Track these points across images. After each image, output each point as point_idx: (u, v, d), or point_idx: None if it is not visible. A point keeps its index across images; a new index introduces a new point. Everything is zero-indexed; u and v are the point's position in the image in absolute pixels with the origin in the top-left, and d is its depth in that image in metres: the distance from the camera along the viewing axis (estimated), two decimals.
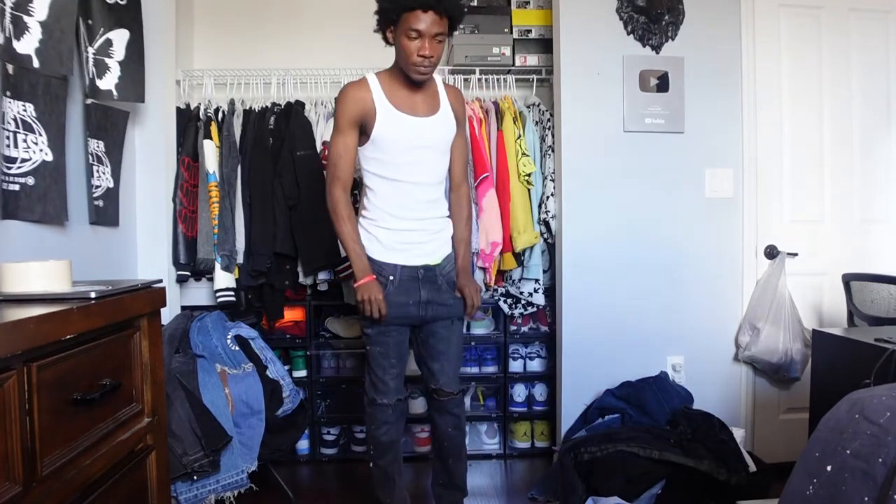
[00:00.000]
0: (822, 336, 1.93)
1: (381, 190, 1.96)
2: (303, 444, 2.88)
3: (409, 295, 1.97)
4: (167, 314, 2.35)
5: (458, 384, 2.10)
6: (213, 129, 2.66)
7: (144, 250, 2.46)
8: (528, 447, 2.93)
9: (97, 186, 2.09)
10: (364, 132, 1.93)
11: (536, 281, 2.76)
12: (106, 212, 2.15)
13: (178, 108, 2.69)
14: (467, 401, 2.98)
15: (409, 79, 1.92)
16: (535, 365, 2.92)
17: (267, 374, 2.25)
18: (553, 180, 2.71)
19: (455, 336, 2.08)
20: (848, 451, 0.98)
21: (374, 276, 1.93)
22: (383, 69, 1.99)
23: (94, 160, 2.06)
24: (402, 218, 1.97)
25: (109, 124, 2.14)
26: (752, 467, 2.16)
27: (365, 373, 2.07)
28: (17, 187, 1.65)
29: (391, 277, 1.96)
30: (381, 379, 2.02)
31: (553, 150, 2.73)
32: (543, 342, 2.94)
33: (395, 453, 2.10)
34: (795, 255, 2.62)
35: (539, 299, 2.78)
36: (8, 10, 1.60)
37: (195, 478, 1.93)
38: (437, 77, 2.06)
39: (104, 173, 2.13)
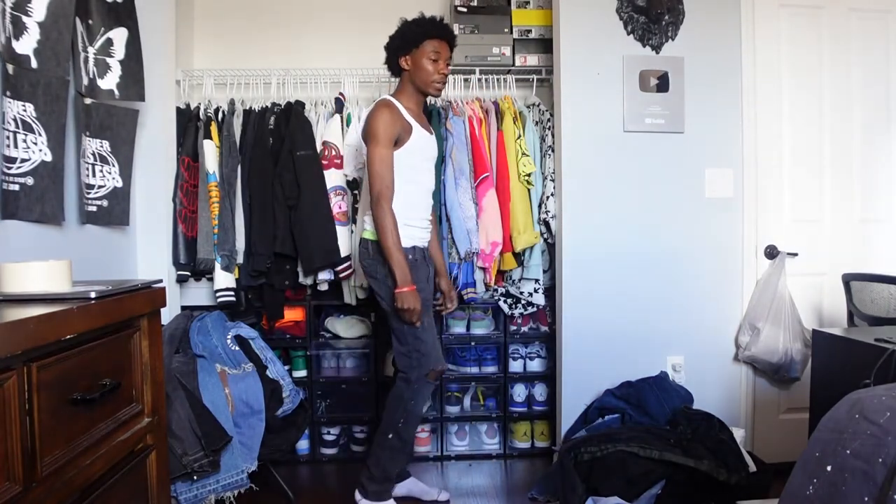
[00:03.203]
0: (822, 336, 1.93)
1: (408, 193, 2.23)
2: (303, 444, 2.88)
3: (427, 269, 2.32)
4: (167, 314, 2.35)
5: None
6: (213, 129, 2.66)
7: (144, 250, 2.46)
8: (528, 447, 2.93)
9: (100, 186, 2.08)
10: (395, 143, 2.19)
11: (536, 281, 2.76)
12: (111, 211, 2.15)
13: (178, 108, 2.69)
14: (467, 401, 2.98)
15: (418, 101, 2.30)
16: (535, 365, 2.92)
17: (267, 374, 2.25)
18: (553, 180, 2.71)
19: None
20: (848, 451, 0.98)
21: (415, 287, 2.15)
22: (393, 93, 2.29)
23: (96, 160, 2.05)
24: (420, 217, 2.30)
25: (115, 123, 2.14)
26: (752, 467, 2.16)
27: (407, 353, 2.23)
28: (16, 187, 1.65)
29: (413, 257, 2.24)
30: (434, 346, 2.26)
31: (553, 150, 2.73)
32: (543, 342, 2.94)
33: (417, 428, 2.35)
34: (795, 255, 2.62)
35: (539, 299, 2.78)
36: (8, 10, 1.60)
37: (195, 478, 1.93)
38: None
39: (109, 172, 2.13)
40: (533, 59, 2.90)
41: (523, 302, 2.81)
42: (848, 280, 2.36)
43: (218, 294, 2.62)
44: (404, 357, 2.26)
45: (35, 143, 1.70)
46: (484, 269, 2.74)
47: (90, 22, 2.00)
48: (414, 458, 2.82)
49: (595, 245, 2.61)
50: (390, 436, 2.24)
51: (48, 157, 1.75)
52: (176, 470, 1.86)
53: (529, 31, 2.88)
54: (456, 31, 2.80)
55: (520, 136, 2.72)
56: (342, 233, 2.68)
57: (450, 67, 2.28)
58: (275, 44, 3.07)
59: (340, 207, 2.69)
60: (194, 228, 2.63)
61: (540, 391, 2.92)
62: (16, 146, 1.64)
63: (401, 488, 2.44)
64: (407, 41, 2.21)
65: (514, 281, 2.81)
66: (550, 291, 2.79)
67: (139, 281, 1.46)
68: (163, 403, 1.50)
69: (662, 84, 2.59)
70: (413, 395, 2.23)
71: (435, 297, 2.46)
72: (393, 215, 2.14)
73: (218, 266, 2.60)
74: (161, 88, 2.46)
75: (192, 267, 2.63)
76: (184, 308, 2.65)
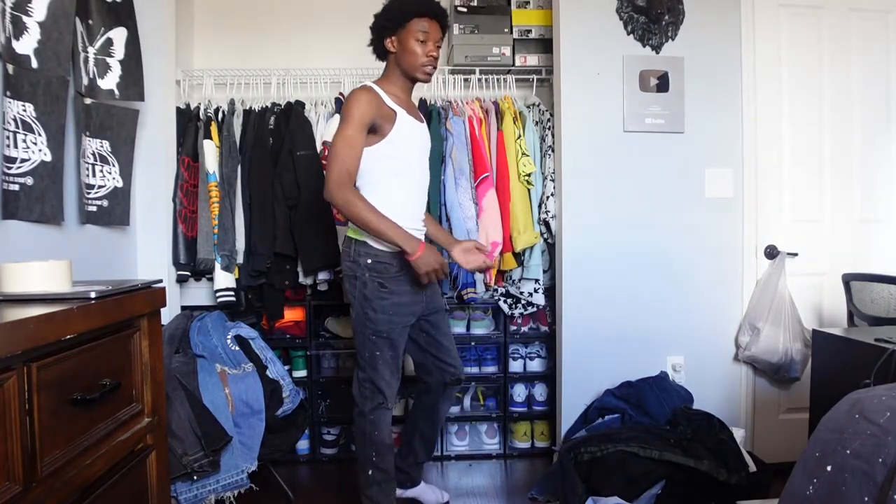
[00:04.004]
0: (822, 336, 1.93)
1: (397, 188, 2.01)
2: (303, 444, 2.88)
3: (418, 281, 1.99)
4: (167, 314, 2.35)
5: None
6: (213, 129, 2.66)
7: (144, 250, 2.46)
8: (528, 447, 2.93)
9: (100, 186, 2.08)
10: (376, 132, 1.96)
11: (536, 281, 2.76)
12: (112, 211, 2.15)
13: (178, 108, 2.69)
14: (467, 401, 2.98)
15: (404, 87, 2.07)
16: (535, 365, 2.92)
17: (267, 374, 2.25)
18: (553, 180, 2.71)
19: (448, 326, 2.29)
20: (848, 451, 0.98)
21: (425, 243, 1.95)
22: (376, 80, 2.07)
23: (96, 160, 2.05)
24: (412, 215, 2.07)
25: (115, 123, 2.14)
26: (752, 467, 2.16)
27: (364, 381, 2.06)
28: (16, 187, 1.65)
29: (400, 266, 2.00)
30: (390, 383, 2.05)
31: (553, 150, 2.73)
32: (543, 342, 2.94)
33: (392, 451, 2.13)
34: (795, 255, 2.62)
35: (539, 299, 2.78)
36: (8, 10, 1.60)
37: (195, 478, 1.93)
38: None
39: (110, 172, 2.13)
40: (533, 59, 2.90)
41: (523, 302, 2.81)
42: (848, 280, 2.36)
43: (218, 294, 2.62)
44: (359, 385, 2.07)
45: (35, 143, 1.70)
46: (484, 270, 2.74)
47: (90, 22, 2.00)
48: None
49: (595, 245, 2.61)
50: (370, 472, 2.07)
51: (48, 157, 1.75)
52: (176, 470, 1.86)
53: (529, 31, 2.88)
54: (456, 31, 2.81)
55: (520, 136, 2.72)
56: (342, 233, 2.67)
57: (440, 50, 2.08)
58: (275, 44, 3.07)
59: None
60: (194, 228, 2.63)
61: (540, 391, 2.92)
62: (16, 146, 1.64)
63: (411, 492, 2.41)
64: (392, 20, 1.99)
65: (514, 281, 2.81)
66: (550, 291, 2.79)
67: (139, 281, 1.46)
68: (163, 403, 1.50)
69: (662, 84, 2.59)
70: (374, 427, 2.05)
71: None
72: (361, 198, 1.88)
73: (218, 266, 2.60)
74: (161, 88, 2.46)
75: (192, 267, 2.63)
76: (184, 308, 2.65)
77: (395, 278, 2.00)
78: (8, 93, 1.60)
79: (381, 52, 2.08)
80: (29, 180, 1.68)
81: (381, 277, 1.99)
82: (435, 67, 2.05)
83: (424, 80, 2.07)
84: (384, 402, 2.05)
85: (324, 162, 2.68)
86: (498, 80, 2.89)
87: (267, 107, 2.77)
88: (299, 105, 2.76)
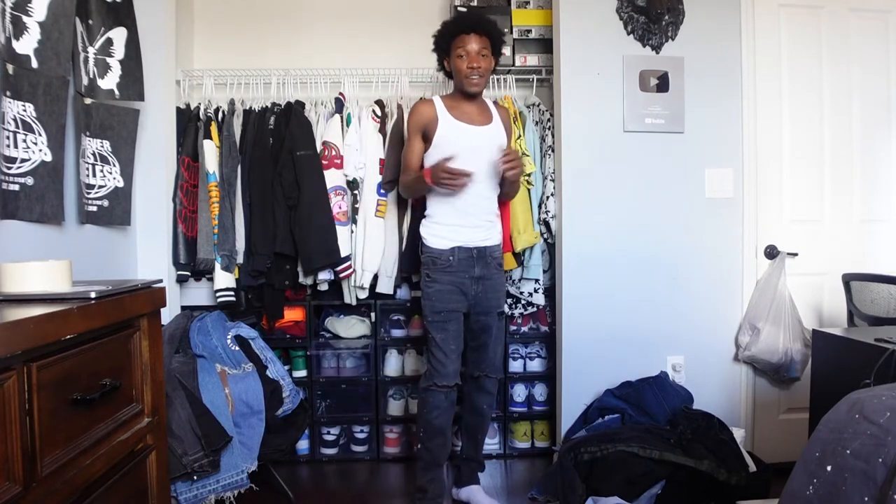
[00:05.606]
0: (822, 336, 1.93)
1: (438, 191, 2.23)
2: (303, 444, 2.88)
3: (466, 270, 2.26)
4: (167, 314, 2.35)
5: (500, 371, 2.48)
6: (213, 129, 2.66)
7: (144, 250, 2.46)
8: (528, 447, 2.93)
9: (100, 186, 2.08)
10: (427, 139, 2.27)
11: (536, 281, 2.76)
12: (112, 211, 2.15)
13: (178, 108, 2.69)
14: None
15: (466, 97, 2.29)
16: (535, 365, 2.92)
17: (267, 374, 2.25)
18: (553, 180, 2.71)
19: (499, 331, 2.40)
20: (848, 451, 0.98)
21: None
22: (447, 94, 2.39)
23: (96, 160, 2.05)
24: (456, 211, 2.25)
25: (116, 123, 2.13)
26: (752, 467, 2.16)
27: (425, 361, 2.31)
28: (16, 187, 1.65)
29: (451, 258, 2.25)
30: (443, 363, 2.23)
31: (553, 150, 2.73)
32: (543, 342, 2.94)
33: (444, 439, 2.28)
34: (795, 255, 2.62)
35: (539, 299, 2.78)
36: (8, 10, 1.60)
37: (195, 478, 1.93)
38: (488, 100, 2.42)
39: (110, 172, 2.13)
40: (533, 59, 2.90)
41: (523, 302, 2.81)
42: (848, 280, 2.36)
43: (218, 294, 2.62)
44: (425, 362, 2.30)
45: (35, 143, 1.70)
46: None
47: (90, 22, 2.00)
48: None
49: (595, 245, 2.61)
50: (418, 446, 2.29)
51: (48, 157, 1.75)
52: (176, 470, 1.86)
53: (529, 31, 2.88)
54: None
55: (520, 136, 2.72)
56: (342, 233, 2.67)
57: (488, 60, 2.23)
58: (275, 44, 3.07)
59: (340, 207, 2.69)
60: (194, 228, 2.63)
61: (540, 391, 2.92)
62: (16, 146, 1.64)
63: (462, 493, 2.45)
64: (440, 48, 2.29)
65: (514, 281, 2.81)
66: (550, 291, 2.79)
67: (139, 281, 1.46)
68: (163, 403, 1.50)
69: (662, 84, 2.59)
70: (424, 405, 2.25)
71: None
72: (406, 176, 2.32)
73: (218, 266, 2.60)
74: (161, 88, 2.46)
75: (192, 267, 2.63)
76: (184, 308, 2.65)
77: (440, 270, 2.25)
78: (8, 93, 1.60)
79: (448, 74, 2.34)
80: (29, 180, 1.68)
81: (427, 269, 2.27)
82: (481, 75, 2.22)
83: (471, 90, 2.24)
84: (434, 384, 2.21)
85: (324, 162, 2.68)
86: (498, 80, 2.89)
87: (267, 107, 2.77)
88: (299, 105, 2.76)
